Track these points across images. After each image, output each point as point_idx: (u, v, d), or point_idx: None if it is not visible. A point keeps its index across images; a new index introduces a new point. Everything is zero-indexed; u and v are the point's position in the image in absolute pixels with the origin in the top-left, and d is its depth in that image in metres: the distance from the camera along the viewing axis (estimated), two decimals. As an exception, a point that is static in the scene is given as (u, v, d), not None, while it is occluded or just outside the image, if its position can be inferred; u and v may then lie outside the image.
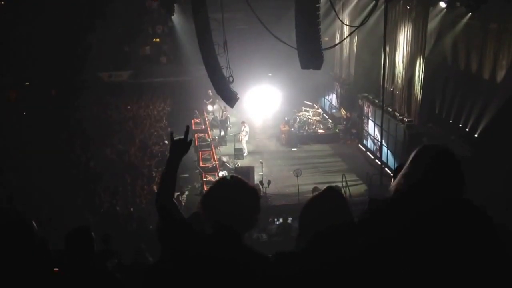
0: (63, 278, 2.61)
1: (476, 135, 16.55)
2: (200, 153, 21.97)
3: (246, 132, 23.35)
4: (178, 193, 17.79)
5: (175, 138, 3.03)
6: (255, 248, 2.63)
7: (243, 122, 23.62)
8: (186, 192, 18.51)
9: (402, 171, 2.70)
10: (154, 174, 18.86)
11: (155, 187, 17.42)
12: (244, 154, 22.77)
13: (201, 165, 20.74)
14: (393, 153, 19.92)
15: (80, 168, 19.08)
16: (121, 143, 22.27)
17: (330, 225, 2.48)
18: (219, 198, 2.64)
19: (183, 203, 16.96)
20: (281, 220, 15.58)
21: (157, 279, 2.74)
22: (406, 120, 18.83)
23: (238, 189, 2.65)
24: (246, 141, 23.40)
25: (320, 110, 27.50)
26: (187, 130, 3.09)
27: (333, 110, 27.98)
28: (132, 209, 16.05)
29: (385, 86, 18.32)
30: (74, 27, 25.65)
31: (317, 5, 11.32)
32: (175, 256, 2.64)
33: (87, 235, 4.40)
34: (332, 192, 2.70)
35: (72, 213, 14.10)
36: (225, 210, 2.59)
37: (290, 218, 15.36)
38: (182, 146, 3.03)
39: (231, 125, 25.45)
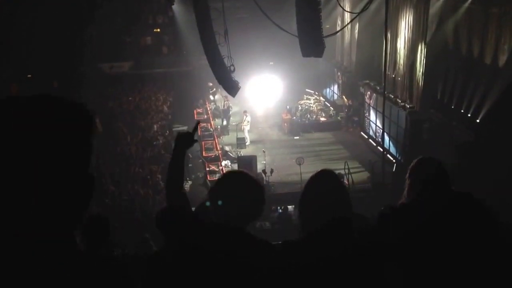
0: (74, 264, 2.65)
1: (478, 120, 16.53)
2: (202, 142, 22.00)
3: (248, 121, 23.36)
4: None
5: (180, 131, 3.20)
6: (258, 236, 2.67)
7: (245, 112, 23.64)
8: (190, 182, 18.57)
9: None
10: (157, 165, 18.90)
11: (159, 177, 17.49)
12: (247, 143, 22.80)
13: (204, 154, 20.78)
14: (395, 140, 19.93)
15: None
16: (124, 134, 22.30)
17: (334, 215, 2.51)
18: (227, 192, 2.69)
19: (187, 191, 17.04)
20: (283, 208, 15.65)
21: (161, 267, 2.76)
22: (408, 106, 18.81)
23: (246, 182, 2.71)
24: (248, 130, 23.42)
25: (321, 98, 27.48)
26: (196, 126, 3.25)
27: (335, 98, 27.94)
28: (135, 199, 16.11)
29: (386, 72, 18.27)
30: (74, 18, 25.59)
31: (318, -8, 11.29)
32: (179, 245, 2.68)
33: (105, 222, 4.50)
34: (325, 171, 2.74)
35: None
36: (232, 203, 2.64)
37: (291, 206, 15.43)
38: (186, 139, 3.15)
39: (231, 114, 25.43)
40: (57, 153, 1.23)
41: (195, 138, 3.23)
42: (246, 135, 23.16)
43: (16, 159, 1.17)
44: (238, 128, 23.09)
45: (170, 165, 3.11)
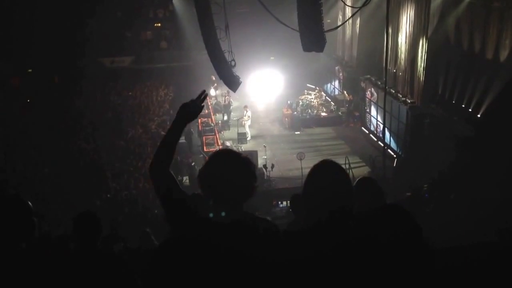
0: (70, 261, 2.66)
1: (479, 115, 16.52)
2: (203, 137, 22.01)
3: (249, 116, 23.35)
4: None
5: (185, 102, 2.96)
6: (261, 223, 2.67)
7: (245, 107, 23.65)
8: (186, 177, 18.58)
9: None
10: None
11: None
12: (248, 139, 22.81)
13: (205, 149, 20.79)
14: (396, 135, 19.92)
15: (85, 154, 19.16)
16: (124, 129, 22.32)
17: (336, 206, 2.52)
18: (215, 169, 2.67)
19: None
20: (284, 203, 15.65)
21: (163, 261, 2.77)
22: (409, 101, 18.79)
23: (231, 158, 2.70)
24: (249, 125, 23.41)
25: (322, 93, 27.45)
26: (203, 94, 3.04)
27: (336, 93, 27.91)
28: (137, 194, 16.15)
29: (387, 67, 18.24)
30: (75, 12, 25.56)
31: (319, -14, 11.26)
32: (181, 236, 2.68)
33: (94, 219, 4.48)
34: (328, 161, 2.75)
35: (79, 199, 14.18)
36: (221, 180, 2.62)
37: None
38: (192, 109, 2.97)
39: (232, 109, 25.39)
40: None
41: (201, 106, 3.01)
42: (247, 130, 23.16)
43: None
44: (239, 123, 23.09)
45: (165, 137, 2.90)
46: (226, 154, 2.75)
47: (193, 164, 18.67)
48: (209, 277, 2.50)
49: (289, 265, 2.46)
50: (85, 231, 4.36)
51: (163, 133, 21.84)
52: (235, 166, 2.65)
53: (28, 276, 2.59)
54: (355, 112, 24.67)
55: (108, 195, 15.68)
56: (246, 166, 2.69)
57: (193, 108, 2.97)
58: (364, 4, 13.58)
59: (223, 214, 2.59)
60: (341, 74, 27.24)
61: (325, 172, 2.66)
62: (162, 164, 2.83)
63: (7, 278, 2.51)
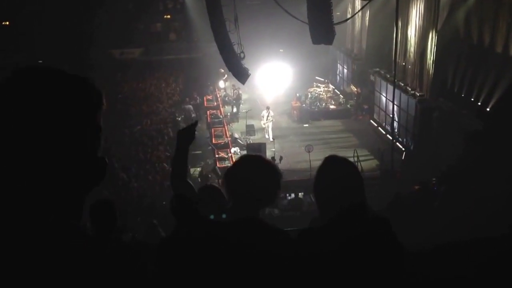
0: (85, 249, 2.69)
1: (488, 109, 16.46)
2: (212, 129, 22.05)
3: (272, 116, 22.38)
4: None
5: (180, 129, 3.46)
6: (272, 224, 2.70)
7: (268, 108, 22.57)
8: (199, 168, 18.65)
9: None
10: (166, 152, 19.00)
11: (166, 166, 17.58)
12: (270, 140, 21.59)
13: (213, 141, 20.85)
14: (404, 128, 19.88)
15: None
16: (133, 121, 22.41)
17: (348, 202, 2.55)
18: (244, 173, 2.69)
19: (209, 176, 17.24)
20: (293, 195, 15.69)
21: (171, 252, 2.80)
22: (418, 94, 18.75)
23: (262, 165, 2.72)
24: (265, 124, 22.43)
25: (330, 85, 27.41)
26: (195, 123, 3.51)
27: (345, 85, 27.86)
28: (146, 185, 16.24)
29: (397, 60, 18.18)
30: (84, 3, 25.64)
31: (328, -21, 11.26)
32: (190, 234, 2.71)
33: (111, 207, 4.54)
34: (334, 157, 2.78)
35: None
36: (249, 185, 2.63)
37: (301, 193, 15.48)
38: (187, 134, 3.40)
39: (242, 102, 25.38)
40: (60, 131, 1.09)
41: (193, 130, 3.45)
42: (270, 133, 22.12)
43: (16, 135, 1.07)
44: (247, 115, 22.81)
45: (174, 160, 3.31)
46: (255, 160, 2.80)
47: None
48: (215, 273, 2.54)
49: (299, 263, 2.48)
50: (102, 219, 4.41)
51: (170, 124, 22.05)
52: (262, 172, 2.67)
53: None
54: (364, 105, 24.62)
55: (117, 186, 15.77)
56: (273, 174, 2.70)
57: (188, 133, 3.43)
58: (374, -3, 13.56)
59: (224, 216, 2.63)
60: (350, 67, 27.16)
61: (334, 167, 2.68)
62: (179, 180, 3.27)
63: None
